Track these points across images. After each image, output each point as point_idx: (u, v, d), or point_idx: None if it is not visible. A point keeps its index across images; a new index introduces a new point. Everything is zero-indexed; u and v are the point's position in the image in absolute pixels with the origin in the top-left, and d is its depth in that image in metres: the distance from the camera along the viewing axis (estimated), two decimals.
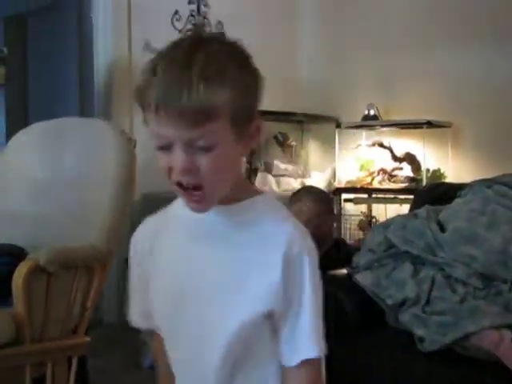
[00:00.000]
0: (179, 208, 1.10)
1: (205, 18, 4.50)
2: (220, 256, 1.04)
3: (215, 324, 1.03)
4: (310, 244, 1.04)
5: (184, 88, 0.93)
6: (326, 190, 4.13)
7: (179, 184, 1.01)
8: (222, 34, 1.04)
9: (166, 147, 0.98)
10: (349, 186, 4.53)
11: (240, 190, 1.05)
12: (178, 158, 0.97)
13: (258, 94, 1.02)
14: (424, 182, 4.15)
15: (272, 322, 1.02)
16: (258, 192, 1.09)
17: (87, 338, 2.33)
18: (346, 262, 2.53)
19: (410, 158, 4.34)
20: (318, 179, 4.71)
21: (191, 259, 1.07)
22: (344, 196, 4.57)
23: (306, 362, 1.02)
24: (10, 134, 3.41)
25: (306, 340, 1.02)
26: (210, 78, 0.94)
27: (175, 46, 1.02)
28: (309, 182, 4.65)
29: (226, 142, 0.98)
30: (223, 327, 1.02)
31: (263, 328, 1.02)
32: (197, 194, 1.00)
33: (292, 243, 1.01)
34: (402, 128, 4.50)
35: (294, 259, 1.00)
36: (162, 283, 1.10)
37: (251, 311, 1.00)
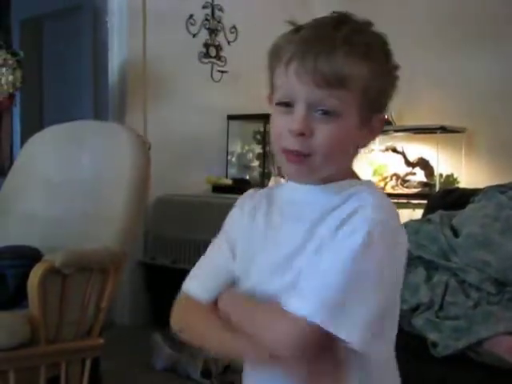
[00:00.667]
0: (279, 189, 1.09)
1: (219, 22, 4.52)
2: (296, 230, 1.00)
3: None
4: (384, 221, 0.95)
5: (325, 47, 0.92)
6: None
7: (286, 151, 0.97)
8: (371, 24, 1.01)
9: (286, 104, 0.96)
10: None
11: (340, 176, 1.02)
12: (296, 117, 0.94)
13: (392, 90, 1.01)
14: (437, 188, 4.14)
15: None
16: (359, 181, 1.05)
17: (101, 340, 2.34)
18: None
19: (423, 163, 4.34)
20: None
21: (277, 235, 1.03)
22: None
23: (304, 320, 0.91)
24: (25, 136, 3.44)
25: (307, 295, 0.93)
26: (353, 47, 0.93)
27: (322, 18, 1.00)
28: None
29: (350, 117, 0.95)
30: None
31: None
32: (301, 158, 0.96)
33: (359, 206, 0.95)
34: (416, 133, 4.49)
35: (351, 219, 0.94)
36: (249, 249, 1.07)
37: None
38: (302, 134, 0.95)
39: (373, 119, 1.01)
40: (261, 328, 0.96)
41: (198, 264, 1.15)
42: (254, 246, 1.06)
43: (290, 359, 0.93)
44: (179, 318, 1.11)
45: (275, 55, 1.00)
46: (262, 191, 1.13)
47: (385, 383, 1.05)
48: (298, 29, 0.99)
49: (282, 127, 0.97)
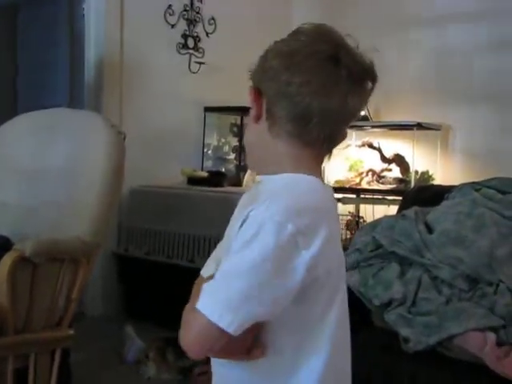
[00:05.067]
0: None
1: (198, 13, 4.48)
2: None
3: None
4: (275, 218, 0.97)
5: None
6: None
7: None
8: None
9: None
10: (337, 185, 4.53)
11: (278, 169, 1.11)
12: None
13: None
14: (412, 184, 4.16)
15: None
16: (294, 171, 1.09)
17: (71, 331, 2.32)
18: None
19: (399, 160, 4.35)
20: None
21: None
22: None
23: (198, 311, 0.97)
24: None
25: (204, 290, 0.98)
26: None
27: None
28: None
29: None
30: None
31: None
32: None
33: (257, 206, 1.00)
34: (392, 129, 4.51)
35: (247, 215, 1.00)
36: None
37: None
38: None
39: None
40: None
41: None
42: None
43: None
44: None
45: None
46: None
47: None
48: None
49: None
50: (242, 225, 1.00)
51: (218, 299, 0.96)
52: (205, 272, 1.12)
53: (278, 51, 1.07)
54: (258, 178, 1.14)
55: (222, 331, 0.95)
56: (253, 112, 1.12)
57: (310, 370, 1.04)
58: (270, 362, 1.04)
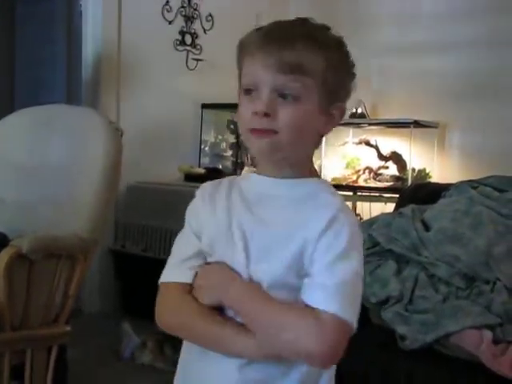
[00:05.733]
0: (242, 180, 1.16)
1: (195, 9, 4.48)
2: (269, 217, 1.07)
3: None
4: (355, 222, 1.07)
5: (287, 38, 1.04)
6: None
7: (253, 130, 1.06)
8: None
9: (252, 89, 1.06)
10: (334, 183, 4.53)
11: (302, 170, 1.11)
12: (261, 99, 1.04)
13: (350, 85, 1.12)
14: (409, 182, 4.17)
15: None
16: (317, 176, 1.14)
17: (68, 327, 2.31)
18: None
19: (396, 157, 4.36)
20: None
21: (241, 222, 1.09)
22: None
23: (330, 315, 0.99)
24: None
25: (330, 294, 1.00)
26: (311, 40, 1.05)
27: (283, 20, 1.11)
28: None
29: (309, 102, 1.05)
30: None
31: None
32: (269, 133, 1.04)
33: (339, 210, 1.05)
34: (389, 127, 4.51)
35: (339, 219, 1.03)
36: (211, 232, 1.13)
37: (289, 255, 1.04)
38: (267, 115, 1.04)
39: (332, 108, 1.10)
40: (285, 329, 1.00)
41: (169, 258, 1.19)
42: (218, 232, 1.11)
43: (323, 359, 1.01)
44: (163, 309, 1.18)
45: (242, 49, 1.10)
46: (223, 181, 1.19)
47: None
48: (260, 27, 1.10)
49: (249, 111, 1.06)
50: (325, 229, 1.03)
51: (351, 304, 1.02)
52: (263, 271, 1.07)
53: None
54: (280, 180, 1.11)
55: (350, 333, 1.02)
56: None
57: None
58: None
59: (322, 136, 1.13)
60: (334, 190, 1.13)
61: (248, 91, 1.07)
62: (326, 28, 1.11)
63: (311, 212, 1.05)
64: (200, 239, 1.14)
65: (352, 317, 1.01)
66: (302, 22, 1.09)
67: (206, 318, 1.07)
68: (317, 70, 1.04)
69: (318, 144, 1.14)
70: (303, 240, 1.03)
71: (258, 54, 1.05)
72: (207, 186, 1.19)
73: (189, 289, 1.11)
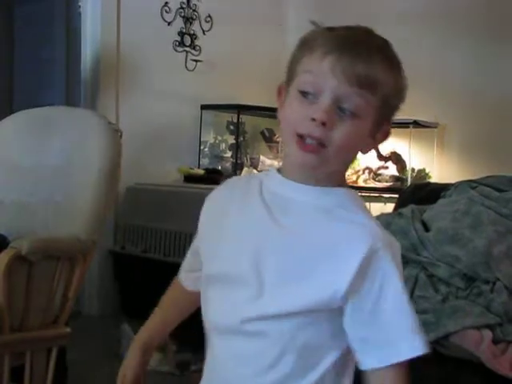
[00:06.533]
0: (263, 179, 1.07)
1: (194, 10, 4.48)
2: (290, 238, 0.99)
3: (284, 289, 0.98)
4: (392, 240, 1.00)
5: (363, 49, 0.96)
6: None
7: (302, 137, 0.97)
8: None
9: (310, 92, 0.97)
10: None
11: (332, 180, 1.02)
12: (322, 106, 0.96)
13: (400, 105, 1.06)
14: (409, 182, 4.16)
15: (334, 316, 0.97)
16: (346, 185, 1.06)
17: (68, 329, 2.31)
18: None
19: (396, 157, 4.35)
20: None
21: (260, 230, 1.01)
22: None
23: (397, 364, 0.97)
24: None
25: (396, 339, 0.97)
26: (387, 56, 0.99)
27: (350, 25, 1.04)
28: None
29: (367, 121, 0.99)
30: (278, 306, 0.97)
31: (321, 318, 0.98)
32: (317, 148, 0.96)
33: (376, 237, 0.97)
34: None
35: (378, 252, 0.95)
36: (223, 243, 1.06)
37: (313, 297, 0.96)
38: (323, 124, 0.95)
39: (380, 129, 1.03)
40: None
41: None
42: (232, 236, 1.05)
43: None
44: None
45: (307, 46, 1.01)
46: (240, 180, 1.17)
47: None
48: (332, 28, 1.02)
49: (302, 114, 0.97)
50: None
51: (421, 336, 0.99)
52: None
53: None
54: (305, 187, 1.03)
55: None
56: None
57: None
58: None
59: (362, 153, 1.06)
60: (362, 202, 1.06)
61: (304, 93, 0.98)
62: (391, 45, 1.04)
63: (339, 238, 0.97)
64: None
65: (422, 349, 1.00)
66: (372, 33, 1.02)
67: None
68: (384, 89, 0.98)
69: (353, 161, 1.09)
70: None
71: (328, 58, 0.96)
72: (226, 183, 1.18)
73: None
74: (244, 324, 0.99)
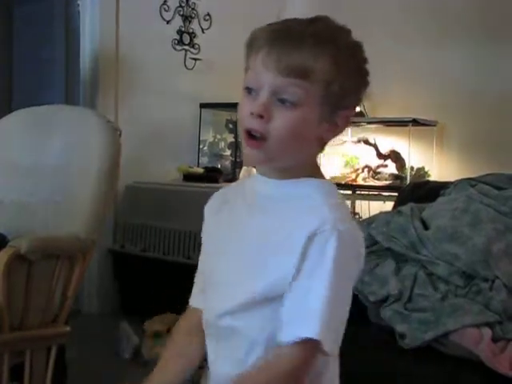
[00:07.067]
0: (248, 181, 1.13)
1: (193, 9, 4.48)
2: (259, 223, 1.04)
3: (243, 283, 1.02)
4: (349, 229, 0.99)
5: (293, 39, 0.97)
6: None
7: (247, 132, 1.01)
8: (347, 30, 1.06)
9: (252, 88, 1.01)
10: (333, 181, 4.52)
11: (303, 173, 1.05)
12: (259, 101, 0.99)
13: (360, 89, 1.05)
14: (408, 180, 4.16)
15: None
16: (320, 177, 1.08)
17: (67, 328, 2.31)
18: None
19: (395, 156, 4.36)
20: None
21: (236, 226, 1.07)
22: None
23: (302, 343, 0.95)
24: None
25: (308, 318, 0.95)
26: (320, 41, 0.98)
27: (298, 18, 1.05)
28: None
29: (309, 109, 0.99)
30: (249, 286, 1.01)
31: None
32: (259, 143, 1.00)
33: (325, 220, 0.97)
34: (388, 125, 4.51)
35: (319, 237, 0.96)
36: (210, 244, 1.14)
37: (268, 284, 0.99)
38: (261, 117, 0.99)
39: (336, 115, 1.03)
40: None
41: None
42: (218, 240, 1.11)
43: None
44: None
45: (249, 44, 1.05)
46: (232, 185, 1.19)
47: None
48: (271, 24, 1.04)
49: (246, 110, 1.01)
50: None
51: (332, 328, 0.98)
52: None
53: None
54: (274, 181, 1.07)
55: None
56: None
57: None
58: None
59: (326, 142, 1.07)
60: (332, 190, 1.07)
61: (248, 90, 1.02)
62: (343, 30, 1.04)
63: (294, 222, 1.00)
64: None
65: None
66: (316, 21, 1.02)
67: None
68: (321, 75, 0.97)
69: (321, 149, 1.08)
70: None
71: (261, 52, 0.99)
72: (215, 194, 1.19)
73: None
74: (219, 320, 1.05)
